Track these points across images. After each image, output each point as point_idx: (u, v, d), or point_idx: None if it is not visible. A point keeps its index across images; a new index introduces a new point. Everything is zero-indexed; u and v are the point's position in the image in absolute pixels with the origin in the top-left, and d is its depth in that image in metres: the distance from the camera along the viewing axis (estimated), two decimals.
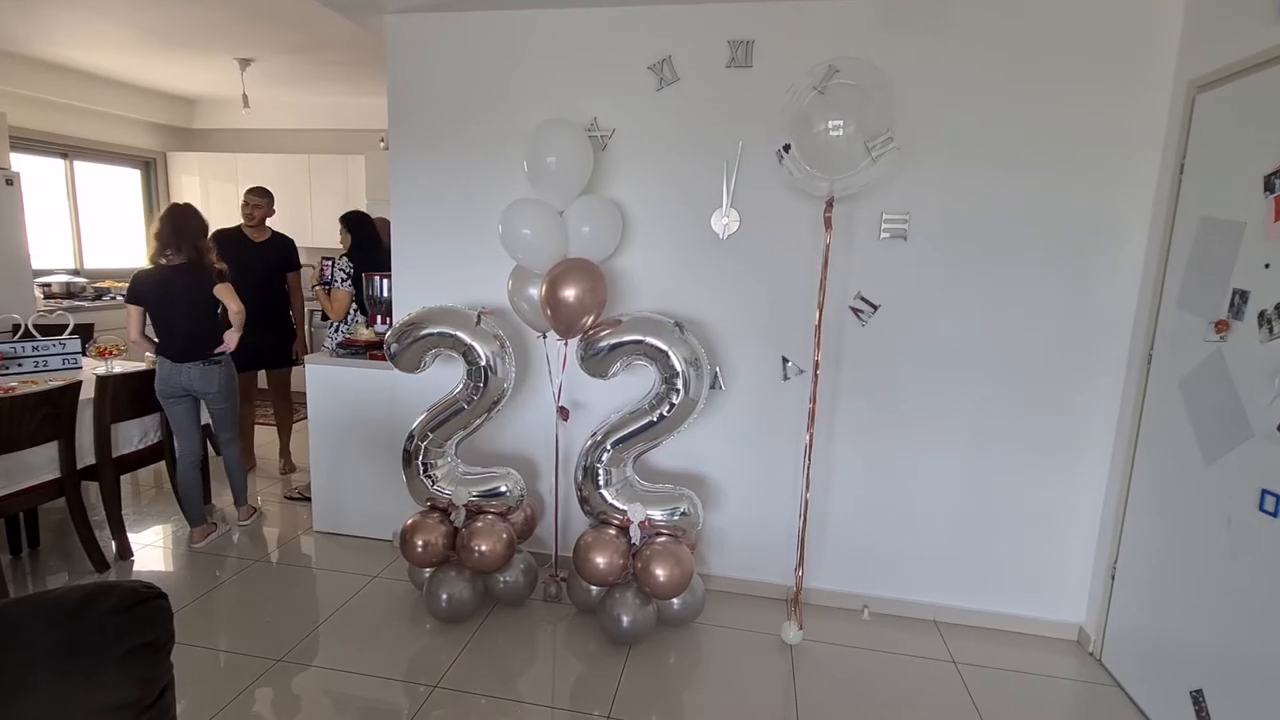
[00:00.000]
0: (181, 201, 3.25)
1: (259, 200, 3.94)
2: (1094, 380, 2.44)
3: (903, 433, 2.60)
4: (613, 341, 2.40)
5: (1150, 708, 2.14)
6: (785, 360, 2.61)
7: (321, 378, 3.18)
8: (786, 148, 2.27)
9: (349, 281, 3.58)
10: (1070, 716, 2.22)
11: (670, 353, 2.36)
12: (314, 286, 3.72)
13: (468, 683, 2.20)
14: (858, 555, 2.70)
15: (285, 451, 4.14)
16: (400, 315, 2.81)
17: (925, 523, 2.63)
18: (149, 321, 3.04)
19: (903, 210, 2.49)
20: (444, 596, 2.50)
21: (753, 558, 2.78)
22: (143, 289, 2.99)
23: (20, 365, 3.26)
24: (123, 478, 3.36)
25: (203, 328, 3.04)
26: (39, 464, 2.71)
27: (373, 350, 3.21)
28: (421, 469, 2.58)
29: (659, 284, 2.69)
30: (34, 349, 3.33)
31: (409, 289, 2.94)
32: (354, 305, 3.62)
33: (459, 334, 2.50)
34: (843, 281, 2.53)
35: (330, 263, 3.69)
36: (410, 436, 2.60)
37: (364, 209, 4.77)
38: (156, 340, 3.07)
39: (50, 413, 2.67)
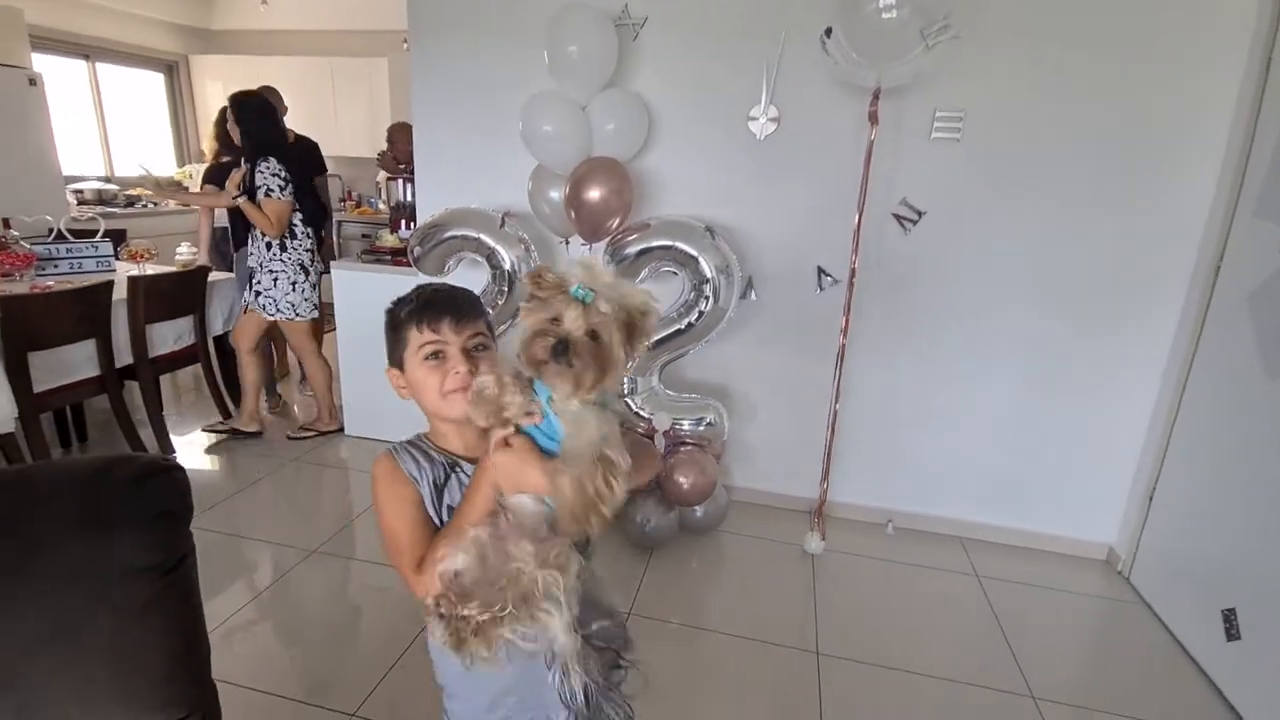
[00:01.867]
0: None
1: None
2: (1153, 294, 2.30)
3: (941, 347, 2.50)
4: (641, 246, 2.31)
5: (1176, 624, 2.12)
6: (821, 270, 2.50)
7: (348, 283, 3.16)
8: (828, 32, 2.08)
9: (288, 189, 2.98)
10: (1093, 629, 2.21)
11: (700, 259, 2.26)
12: (235, 198, 3.05)
13: None
14: (885, 470, 2.67)
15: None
16: (423, 218, 2.74)
17: (957, 440, 2.57)
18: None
19: (957, 108, 2.29)
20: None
21: (778, 470, 2.77)
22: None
23: (56, 266, 3.29)
24: (163, 379, 3.46)
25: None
26: (78, 362, 2.77)
27: (397, 256, 3.16)
28: None
29: (690, 187, 2.56)
30: (68, 251, 3.36)
31: (432, 192, 2.85)
32: (299, 216, 3.10)
33: (482, 237, 2.43)
34: (887, 185, 2.38)
35: (250, 168, 2.99)
36: None
37: (396, 119, 4.52)
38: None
39: (85, 311, 2.70)
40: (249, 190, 2.99)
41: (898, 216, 2.41)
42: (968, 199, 2.36)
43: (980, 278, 2.41)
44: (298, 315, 3.17)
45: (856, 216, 2.27)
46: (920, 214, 2.40)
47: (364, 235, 5.40)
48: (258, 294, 3.12)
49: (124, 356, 2.95)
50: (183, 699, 0.88)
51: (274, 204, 2.97)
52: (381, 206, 5.91)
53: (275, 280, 3.11)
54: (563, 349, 0.78)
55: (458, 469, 1.00)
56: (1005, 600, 2.27)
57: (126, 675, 0.79)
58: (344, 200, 5.98)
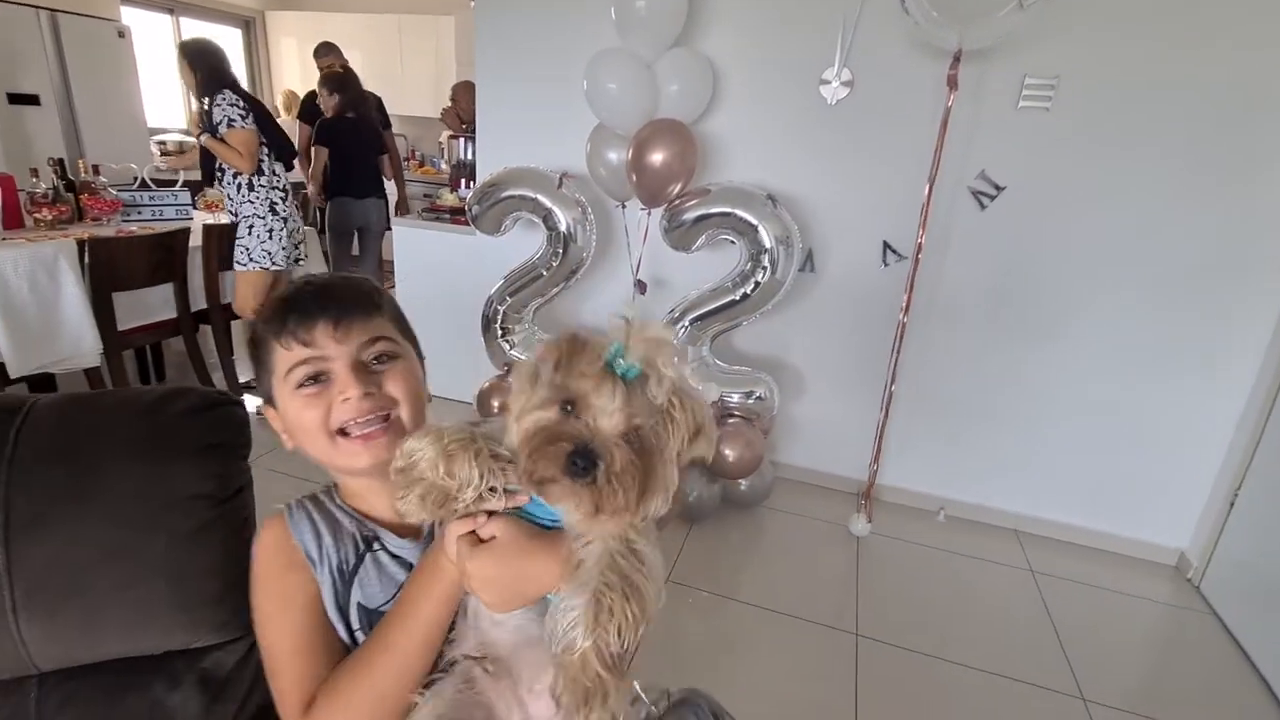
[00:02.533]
0: (342, 66, 3.83)
1: (328, 59, 3.93)
2: (1256, 282, 2.11)
3: (1012, 330, 2.37)
4: (699, 213, 2.25)
5: (1246, 638, 1.99)
6: (887, 245, 2.39)
7: (408, 240, 3.21)
8: None
9: (249, 117, 2.81)
10: (1155, 637, 2.10)
11: (760, 228, 2.19)
12: (197, 137, 2.94)
13: None
14: (940, 456, 2.57)
15: None
16: (482, 177, 2.74)
17: (1021, 429, 2.45)
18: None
19: (1049, 75, 2.13)
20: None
21: (828, 449, 2.71)
22: (331, 135, 3.62)
23: (140, 213, 3.45)
24: (234, 325, 3.62)
25: (378, 169, 3.74)
26: (157, 304, 2.91)
27: (456, 215, 3.19)
28: (500, 333, 2.60)
29: (753, 152, 2.48)
30: (150, 199, 3.52)
31: (492, 151, 2.85)
32: (266, 150, 2.91)
33: (539, 197, 2.41)
34: (963, 156, 2.24)
35: (207, 102, 2.83)
36: (489, 301, 2.60)
37: (461, 77, 4.56)
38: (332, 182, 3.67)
39: (164, 256, 2.83)
40: (210, 128, 2.82)
41: (974, 191, 2.28)
42: (1054, 174, 2.20)
43: (1061, 259, 2.26)
44: (271, 264, 2.95)
45: (926, 189, 2.15)
46: (999, 189, 2.26)
47: (425, 195, 5.49)
48: (237, 247, 2.98)
49: (198, 301, 3.09)
50: (236, 623, 0.91)
51: (238, 134, 2.77)
52: (443, 166, 5.98)
53: (250, 227, 2.94)
54: (586, 465, 0.49)
55: (377, 545, 0.73)
56: (1061, 598, 2.17)
57: (184, 594, 0.83)
58: (408, 159, 6.07)
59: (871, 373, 2.48)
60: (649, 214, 2.39)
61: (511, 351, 2.59)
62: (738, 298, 2.28)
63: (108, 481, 0.80)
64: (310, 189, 3.95)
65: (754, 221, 2.19)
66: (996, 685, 1.80)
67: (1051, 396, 2.39)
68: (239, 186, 2.93)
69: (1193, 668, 1.95)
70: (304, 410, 0.70)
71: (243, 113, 2.78)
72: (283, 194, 3.01)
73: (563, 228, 2.40)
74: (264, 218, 2.95)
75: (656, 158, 2.19)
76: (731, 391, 2.37)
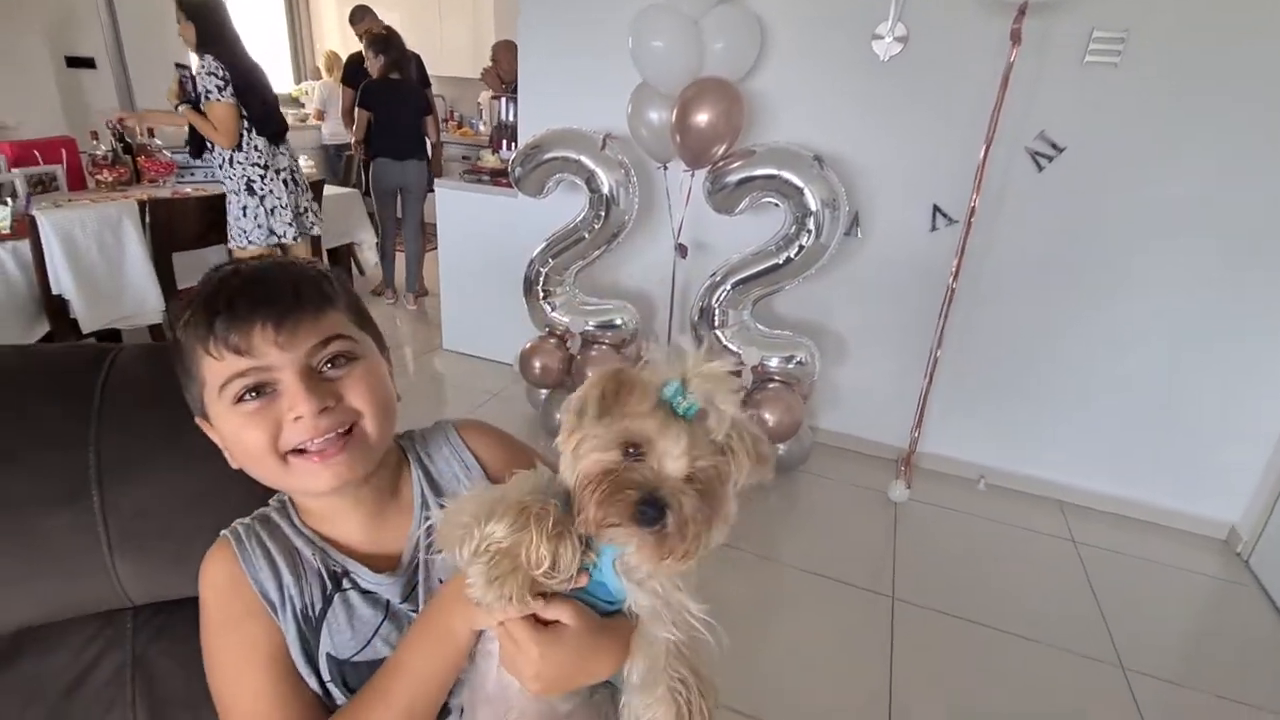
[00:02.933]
0: (385, 28, 3.86)
1: (364, 24, 3.94)
2: None
3: (1065, 297, 2.30)
4: (744, 175, 2.22)
5: None
6: (937, 209, 2.33)
7: (449, 202, 3.24)
8: None
9: (228, 89, 2.62)
10: (1200, 610, 2.08)
11: (806, 190, 2.15)
12: (176, 108, 2.80)
13: None
14: (983, 424, 2.54)
15: (419, 277, 4.36)
16: (524, 139, 2.74)
17: (1070, 398, 2.40)
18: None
19: (1118, 28, 2.02)
20: (558, 417, 2.63)
21: (867, 416, 2.69)
22: (375, 97, 3.66)
23: (192, 175, 3.55)
24: None
25: (421, 130, 3.80)
26: (211, 264, 3.01)
27: (498, 177, 3.20)
28: (541, 295, 2.62)
29: (801, 112, 2.42)
30: (202, 161, 3.61)
31: (535, 112, 2.83)
32: (246, 124, 2.72)
33: (582, 159, 2.40)
34: (1023, 116, 2.15)
35: (187, 71, 2.72)
36: (531, 263, 2.62)
37: (500, 37, 4.53)
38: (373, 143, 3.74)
39: (216, 218, 2.91)
40: (193, 98, 2.70)
41: (1032, 152, 2.19)
42: (1117, 135, 2.10)
43: (1118, 225, 2.18)
44: (247, 243, 2.83)
45: (983, 149, 2.08)
46: (1058, 150, 2.17)
47: (464, 156, 5.49)
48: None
49: None
50: None
51: (216, 108, 2.61)
52: (482, 128, 5.97)
53: (228, 204, 2.82)
54: (655, 513, 0.48)
55: (346, 583, 0.64)
56: (1103, 569, 2.15)
57: None
58: (446, 120, 6.07)
59: (915, 339, 2.44)
60: (692, 176, 2.37)
61: (553, 314, 2.62)
62: (780, 262, 2.26)
63: (193, 426, 0.85)
64: (358, 151, 4.00)
65: (800, 184, 2.15)
66: (1033, 651, 1.80)
67: (1101, 365, 2.33)
68: (220, 162, 2.81)
69: (1238, 642, 1.92)
70: (244, 430, 0.58)
71: (220, 84, 2.60)
72: (262, 170, 2.81)
73: (605, 190, 2.39)
74: (238, 194, 2.81)
75: (701, 117, 2.16)
76: (771, 355, 2.37)
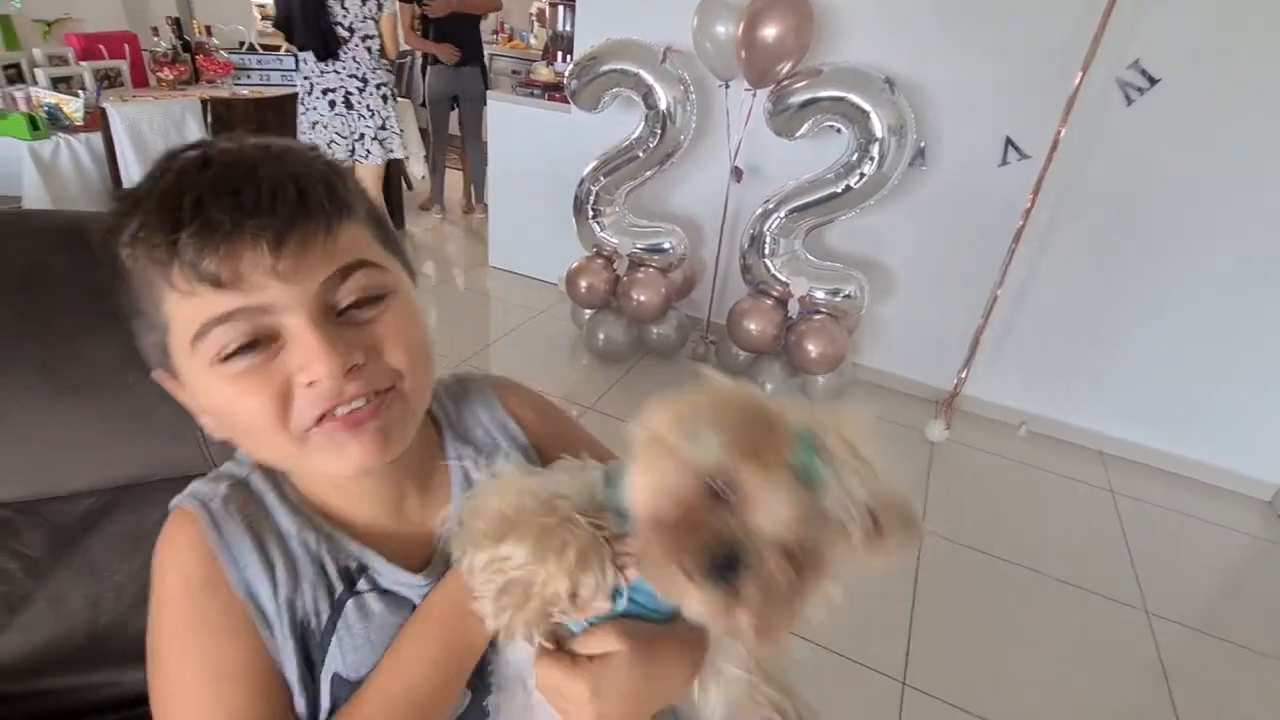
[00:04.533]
0: None
1: None
2: None
3: (1129, 241, 2.21)
4: (808, 96, 2.14)
5: None
6: (1010, 142, 2.22)
7: (502, 115, 3.20)
8: None
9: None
10: (1232, 565, 2.08)
11: (873, 115, 2.07)
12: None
13: (617, 410, 2.43)
14: (1030, 370, 2.50)
15: (468, 191, 4.37)
16: (581, 50, 2.66)
17: (1123, 348, 2.33)
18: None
19: None
20: (601, 336, 2.68)
21: (912, 356, 2.67)
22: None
23: (248, 77, 3.56)
24: None
25: (477, 36, 3.72)
26: None
27: (551, 91, 3.14)
28: (591, 214, 2.62)
29: (871, 31, 2.29)
30: (258, 62, 3.61)
31: (594, 22, 2.74)
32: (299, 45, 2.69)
33: (641, 72, 2.34)
34: (1120, 43, 2.00)
35: None
36: (581, 182, 2.60)
37: None
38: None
39: (276, 119, 2.95)
40: None
41: (1123, 84, 2.06)
42: (1222, 69, 1.95)
43: (1204, 168, 2.05)
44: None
45: (1079, 76, 1.95)
46: (1153, 82, 2.03)
47: (514, 71, 5.37)
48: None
49: None
50: None
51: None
52: (532, 41, 5.80)
53: None
54: (730, 566, 0.37)
55: (364, 583, 0.49)
56: (1139, 520, 2.15)
57: None
58: (495, 32, 5.91)
59: (971, 278, 2.38)
60: (754, 95, 2.29)
61: (601, 234, 2.62)
62: (839, 191, 2.20)
63: None
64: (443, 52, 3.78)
65: (867, 108, 2.06)
66: (1055, 589, 1.84)
67: (1161, 316, 2.25)
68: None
69: (1269, 598, 1.93)
70: (238, 398, 0.42)
71: None
72: (308, 88, 2.80)
73: (662, 106, 2.34)
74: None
75: (769, 32, 2.07)
76: (819, 287, 2.34)
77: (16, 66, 2.58)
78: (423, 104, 4.05)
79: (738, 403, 0.41)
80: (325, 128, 2.86)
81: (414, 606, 0.50)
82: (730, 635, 0.43)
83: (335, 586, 0.48)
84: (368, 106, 2.85)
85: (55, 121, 2.38)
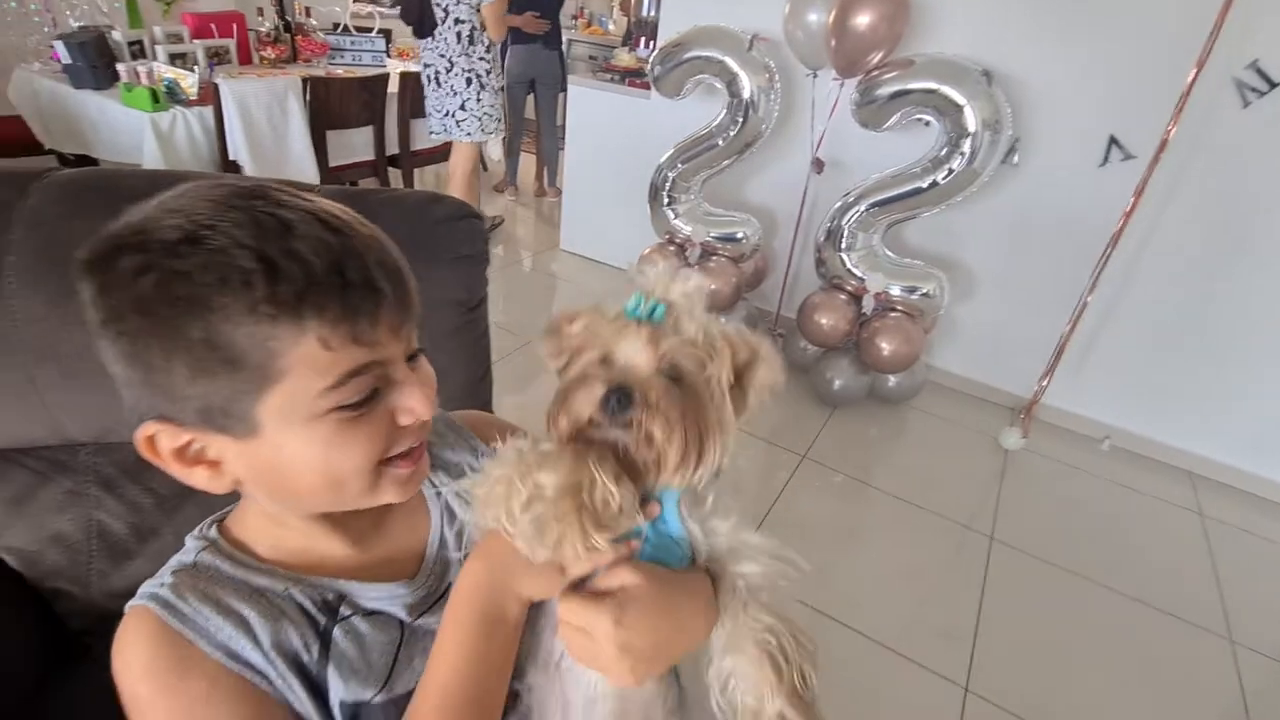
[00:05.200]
0: None
1: None
2: None
3: (1237, 251, 2.07)
4: (898, 88, 2.08)
5: None
6: (1113, 140, 2.11)
7: (581, 100, 3.24)
8: None
9: None
10: None
11: (966, 108, 2.00)
12: None
13: None
14: (1119, 382, 2.38)
15: (541, 175, 4.44)
16: (665, 36, 2.66)
17: (1223, 364, 2.20)
18: None
19: None
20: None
21: (989, 360, 2.59)
22: None
23: (342, 57, 3.71)
24: (415, 174, 3.90)
25: (557, 20, 3.74)
26: (359, 144, 3.19)
27: (631, 76, 3.15)
28: (666, 201, 2.63)
29: (970, 19, 2.21)
30: (351, 43, 3.75)
31: (680, 7, 2.73)
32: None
33: (726, 60, 2.33)
34: (1237, 40, 1.87)
35: None
36: (659, 169, 2.62)
37: None
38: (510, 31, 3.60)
39: (368, 99, 3.06)
40: None
41: (1240, 84, 1.92)
42: None
43: None
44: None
45: (1192, 74, 1.83)
46: (1272, 85, 1.89)
47: (591, 56, 5.41)
48: None
49: (391, 147, 3.35)
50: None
51: None
52: (610, 27, 5.82)
53: None
54: (622, 400, 0.44)
55: (345, 609, 0.51)
56: (1228, 546, 2.03)
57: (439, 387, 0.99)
58: (575, 18, 5.95)
59: (1059, 282, 2.28)
60: (841, 85, 2.25)
61: (675, 221, 2.63)
62: (924, 186, 2.14)
63: None
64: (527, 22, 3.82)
65: (960, 101, 2.00)
66: (1133, 610, 1.76)
67: (1267, 331, 2.10)
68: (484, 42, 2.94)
69: None
70: (349, 444, 0.46)
71: None
72: (420, 65, 2.95)
73: (746, 95, 2.32)
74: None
75: (862, 20, 2.02)
76: (895, 284, 2.29)
77: (140, 43, 2.77)
78: (501, 87, 4.12)
79: (557, 318, 0.51)
80: (427, 100, 3.02)
81: (401, 622, 0.53)
82: (652, 469, 0.47)
83: (318, 620, 0.50)
84: (451, 87, 2.93)
85: (172, 95, 2.54)
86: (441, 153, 3.63)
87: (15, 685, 0.77)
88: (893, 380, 2.42)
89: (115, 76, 2.55)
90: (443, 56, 2.87)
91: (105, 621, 0.83)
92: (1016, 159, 2.24)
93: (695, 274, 0.50)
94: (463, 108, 2.98)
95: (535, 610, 0.52)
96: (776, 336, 2.79)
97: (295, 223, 0.43)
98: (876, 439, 2.38)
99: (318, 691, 0.49)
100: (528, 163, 4.60)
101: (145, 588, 0.50)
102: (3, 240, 0.71)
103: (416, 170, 4.00)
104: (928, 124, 2.16)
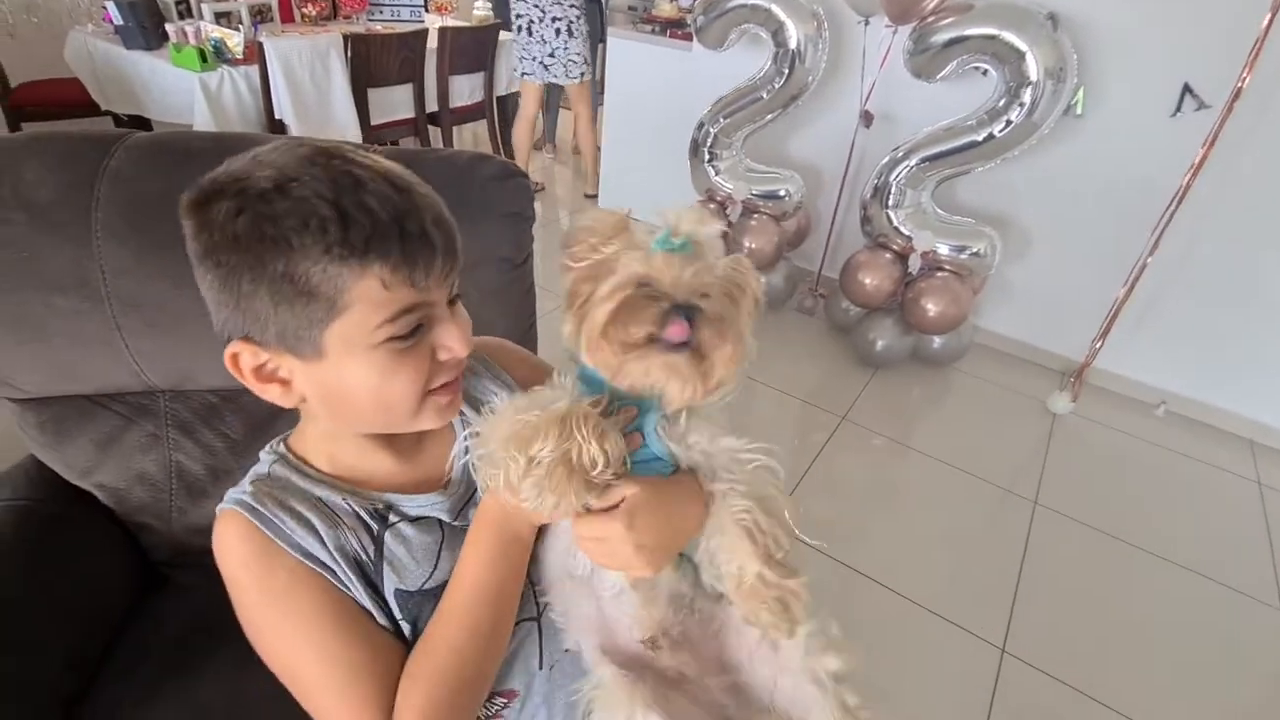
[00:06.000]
0: None
1: None
2: None
3: None
4: (955, 34, 1.98)
5: None
6: (1187, 89, 1.98)
7: (620, 52, 3.17)
8: None
9: None
10: None
11: (1028, 55, 1.90)
12: None
13: None
14: (1179, 347, 2.29)
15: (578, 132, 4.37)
16: None
17: None
18: None
19: None
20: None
21: (1039, 322, 2.51)
22: None
23: (380, 12, 3.69)
24: (454, 131, 3.90)
25: None
26: (399, 102, 3.19)
27: (672, 28, 3.07)
28: (707, 158, 2.58)
29: None
30: None
31: None
32: None
33: (772, 8, 2.24)
34: None
35: None
36: (700, 124, 2.56)
37: None
38: None
39: (408, 56, 3.05)
40: None
41: None
42: None
43: None
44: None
45: (1267, 17, 1.70)
46: None
47: (630, 7, 5.25)
48: None
49: (430, 104, 3.34)
50: None
51: None
52: None
53: None
54: (690, 315, 0.49)
55: (393, 517, 0.60)
56: None
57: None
58: None
59: (1119, 241, 2.19)
60: (894, 33, 2.15)
61: (716, 178, 2.58)
62: (979, 139, 2.06)
63: None
64: None
65: (1022, 48, 1.89)
66: (1179, 577, 1.73)
67: None
68: None
69: None
70: (396, 372, 0.54)
71: None
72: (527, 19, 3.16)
73: (792, 44, 2.24)
74: None
75: None
76: (944, 243, 2.22)
77: (186, 2, 2.80)
78: (588, 32, 4.03)
79: (611, 218, 0.55)
80: (515, 47, 3.28)
81: (440, 523, 0.63)
82: (697, 399, 0.53)
83: (372, 526, 0.59)
84: (542, 36, 3.16)
85: (219, 54, 2.57)
86: (479, 110, 3.62)
87: (112, 602, 0.84)
88: (937, 342, 2.37)
89: (165, 37, 2.59)
90: (536, 6, 3.11)
91: (184, 554, 0.90)
92: (1080, 110, 2.12)
93: (705, 210, 0.55)
94: (552, 54, 3.21)
95: (544, 529, 0.61)
96: (817, 297, 2.74)
97: (366, 180, 0.50)
98: (918, 401, 2.35)
99: (374, 586, 0.58)
100: (565, 119, 4.54)
101: (231, 494, 0.59)
102: (90, 198, 0.74)
103: (455, 128, 4.01)
104: (985, 73, 2.07)
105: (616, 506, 0.53)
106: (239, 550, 0.56)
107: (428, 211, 0.53)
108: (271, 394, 0.56)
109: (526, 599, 0.61)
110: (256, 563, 0.55)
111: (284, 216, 0.48)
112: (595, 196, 3.70)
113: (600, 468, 0.51)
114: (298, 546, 0.56)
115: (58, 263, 0.74)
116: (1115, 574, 1.74)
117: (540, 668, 0.60)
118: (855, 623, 1.53)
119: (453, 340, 0.56)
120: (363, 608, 0.57)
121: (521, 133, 3.55)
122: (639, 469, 0.55)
